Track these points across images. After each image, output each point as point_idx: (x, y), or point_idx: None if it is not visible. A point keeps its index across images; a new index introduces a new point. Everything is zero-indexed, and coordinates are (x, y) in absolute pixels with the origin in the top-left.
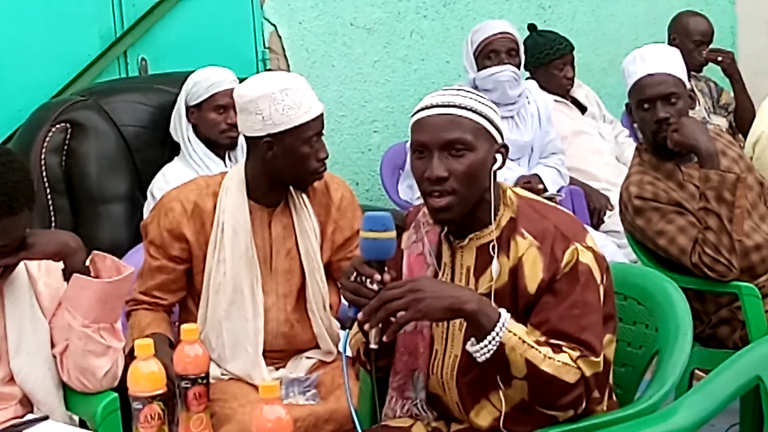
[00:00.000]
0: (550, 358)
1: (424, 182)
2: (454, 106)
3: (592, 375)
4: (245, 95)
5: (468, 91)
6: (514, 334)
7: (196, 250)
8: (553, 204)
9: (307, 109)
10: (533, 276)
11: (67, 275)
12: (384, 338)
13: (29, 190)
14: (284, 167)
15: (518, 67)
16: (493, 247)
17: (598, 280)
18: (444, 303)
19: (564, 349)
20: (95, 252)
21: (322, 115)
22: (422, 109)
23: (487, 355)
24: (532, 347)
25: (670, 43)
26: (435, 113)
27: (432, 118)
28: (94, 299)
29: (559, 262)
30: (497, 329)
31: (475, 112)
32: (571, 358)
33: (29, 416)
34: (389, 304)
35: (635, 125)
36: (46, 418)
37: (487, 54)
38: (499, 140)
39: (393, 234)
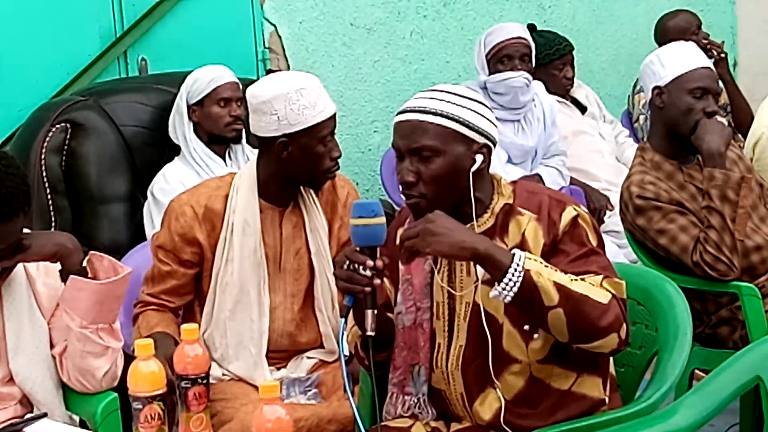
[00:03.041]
0: (576, 280)
1: (399, 184)
2: (424, 111)
3: (621, 299)
4: (260, 96)
5: (447, 93)
6: (535, 260)
7: (208, 253)
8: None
9: (322, 108)
10: (536, 245)
11: (63, 276)
12: (403, 263)
13: (25, 195)
14: (299, 167)
15: (530, 72)
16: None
17: (595, 244)
18: (453, 240)
19: (586, 278)
20: (92, 252)
21: (335, 114)
22: (399, 113)
23: (515, 289)
24: (557, 272)
25: None
26: (405, 118)
27: (403, 123)
28: (91, 300)
29: (558, 224)
30: (517, 259)
31: (445, 116)
32: (596, 283)
33: (28, 415)
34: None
35: (635, 125)
36: (44, 415)
37: (501, 58)
38: (480, 140)
39: (383, 219)
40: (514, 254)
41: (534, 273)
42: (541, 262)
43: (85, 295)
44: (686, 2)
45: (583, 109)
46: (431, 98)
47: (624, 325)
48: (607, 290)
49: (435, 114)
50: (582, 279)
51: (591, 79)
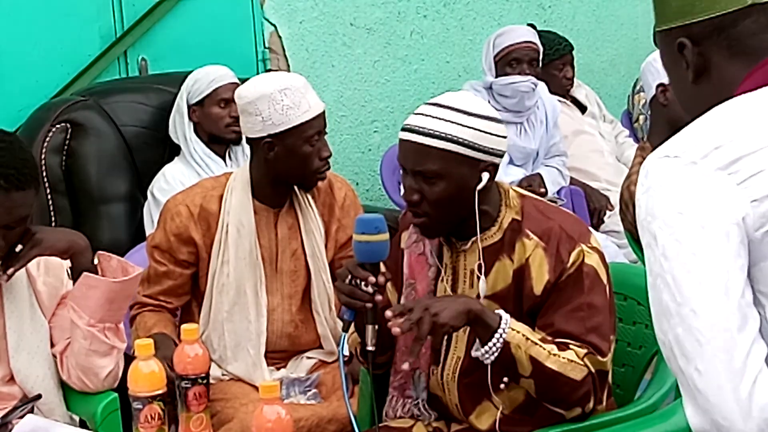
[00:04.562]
0: (554, 355)
1: (404, 201)
2: (428, 134)
3: (599, 372)
4: (245, 97)
5: (453, 111)
6: (518, 332)
7: (203, 253)
8: (555, 205)
9: (307, 108)
10: (539, 277)
11: (75, 274)
12: (410, 359)
13: (35, 171)
14: (287, 167)
15: (536, 76)
16: (480, 266)
17: (604, 280)
18: (459, 308)
19: (570, 346)
20: (101, 252)
21: (323, 113)
22: (404, 129)
23: (494, 356)
24: (536, 344)
25: None
26: (409, 139)
27: (406, 144)
28: (102, 299)
29: (565, 263)
30: (502, 327)
31: (450, 140)
32: (578, 356)
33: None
34: (418, 333)
35: (635, 124)
36: (39, 397)
37: (509, 62)
38: (487, 159)
39: (386, 236)
40: (500, 321)
41: (513, 346)
42: (523, 335)
43: (97, 292)
44: None
45: (583, 109)
46: (437, 118)
47: (591, 400)
48: (586, 365)
49: (439, 138)
50: (564, 347)
51: (591, 79)
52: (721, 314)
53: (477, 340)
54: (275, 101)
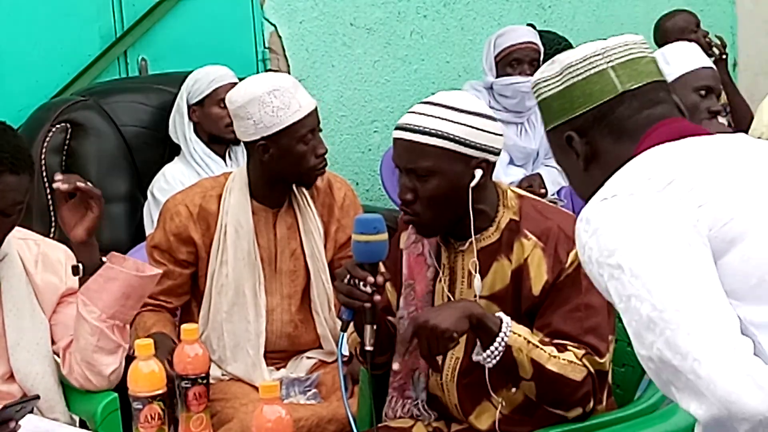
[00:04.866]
0: (554, 356)
1: (399, 199)
2: (421, 131)
3: (598, 372)
4: (235, 101)
5: (446, 108)
6: (519, 335)
7: (203, 253)
8: (554, 205)
9: (297, 107)
10: (538, 278)
11: (88, 269)
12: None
13: (29, 159)
14: (283, 168)
15: None
16: (474, 264)
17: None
18: (458, 313)
19: (569, 348)
20: (113, 253)
21: (315, 111)
22: (397, 127)
23: (496, 360)
24: (537, 347)
25: None
26: (402, 137)
27: (399, 142)
28: (119, 292)
29: (564, 263)
30: (503, 331)
31: (442, 137)
32: (576, 357)
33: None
34: (422, 351)
35: None
36: (36, 397)
37: (510, 62)
38: (480, 155)
39: (384, 236)
40: (501, 324)
41: (515, 349)
42: (524, 338)
43: (117, 285)
44: (686, 2)
45: None
46: (429, 115)
47: (591, 400)
48: (585, 366)
49: (431, 135)
50: (562, 348)
51: None
52: (704, 303)
53: (478, 345)
54: (265, 104)
